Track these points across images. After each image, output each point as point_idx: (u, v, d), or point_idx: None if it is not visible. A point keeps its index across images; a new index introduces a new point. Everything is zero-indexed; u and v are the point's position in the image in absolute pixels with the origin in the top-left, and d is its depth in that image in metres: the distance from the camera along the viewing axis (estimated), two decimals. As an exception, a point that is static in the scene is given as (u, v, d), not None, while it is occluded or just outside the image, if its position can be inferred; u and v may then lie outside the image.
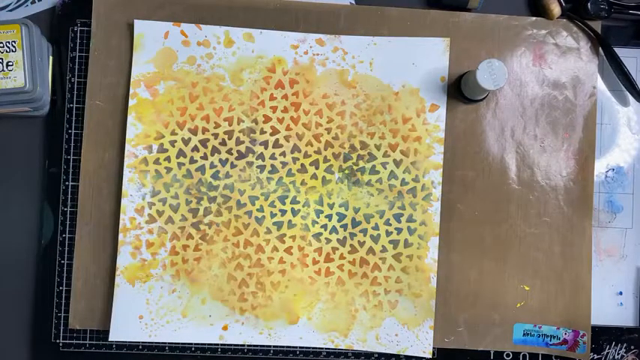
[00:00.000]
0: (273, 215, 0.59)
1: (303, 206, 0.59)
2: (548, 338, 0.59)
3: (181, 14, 0.59)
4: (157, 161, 0.58)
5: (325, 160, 0.59)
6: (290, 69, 0.59)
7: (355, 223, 0.59)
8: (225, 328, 0.58)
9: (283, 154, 0.59)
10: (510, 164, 0.60)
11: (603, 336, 0.60)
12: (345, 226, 0.59)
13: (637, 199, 0.61)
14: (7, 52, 0.55)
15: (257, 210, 0.59)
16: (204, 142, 0.59)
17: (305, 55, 0.59)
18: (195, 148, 0.59)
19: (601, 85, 0.61)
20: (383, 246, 0.59)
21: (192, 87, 0.59)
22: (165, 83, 0.59)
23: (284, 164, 0.59)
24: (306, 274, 0.58)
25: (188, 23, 0.59)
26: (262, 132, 0.59)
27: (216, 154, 0.59)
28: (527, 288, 0.59)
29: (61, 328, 0.59)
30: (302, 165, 0.59)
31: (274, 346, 0.59)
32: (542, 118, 0.60)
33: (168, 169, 0.59)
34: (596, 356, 0.60)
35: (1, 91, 0.55)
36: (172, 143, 0.59)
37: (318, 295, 0.58)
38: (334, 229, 0.59)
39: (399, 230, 0.59)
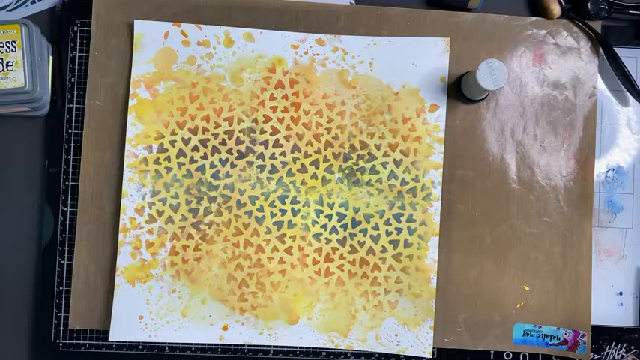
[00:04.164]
0: (273, 215, 0.59)
1: (303, 206, 0.59)
2: (548, 338, 0.59)
3: (181, 14, 0.59)
4: (156, 161, 0.58)
5: (325, 160, 0.59)
6: (290, 69, 0.59)
7: (355, 223, 0.59)
8: (225, 328, 0.58)
9: (283, 154, 0.59)
10: (510, 164, 0.60)
11: (603, 336, 0.60)
12: (345, 226, 0.59)
13: (637, 199, 0.61)
14: (7, 52, 0.55)
15: (257, 210, 0.59)
16: (204, 142, 0.59)
17: (305, 55, 0.59)
18: (195, 148, 0.59)
19: (601, 85, 0.61)
20: (383, 246, 0.59)
21: (193, 87, 0.59)
22: (166, 83, 0.59)
23: (284, 164, 0.59)
24: (306, 274, 0.58)
25: (188, 23, 0.59)
26: (262, 132, 0.59)
27: (216, 154, 0.59)
28: (527, 288, 0.59)
29: (61, 328, 0.59)
30: (302, 165, 0.59)
31: (274, 346, 0.59)
32: (542, 118, 0.60)
33: (169, 169, 0.59)
34: (596, 356, 0.60)
35: (1, 91, 0.55)
36: (172, 143, 0.59)
37: (318, 295, 0.58)
38: (334, 229, 0.59)
39: (399, 230, 0.59)
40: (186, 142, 0.59)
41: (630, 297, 0.61)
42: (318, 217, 0.59)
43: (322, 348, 0.59)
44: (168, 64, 0.59)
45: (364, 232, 0.59)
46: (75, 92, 0.59)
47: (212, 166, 0.59)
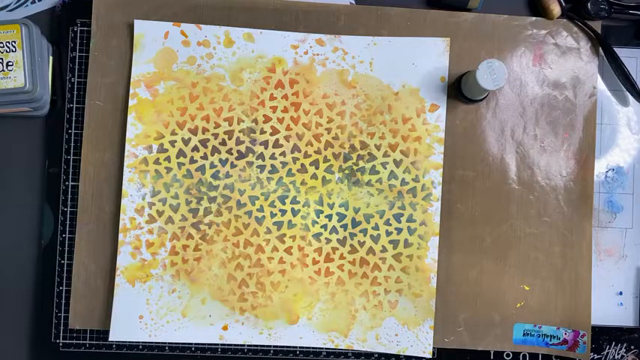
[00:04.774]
0: (273, 215, 0.59)
1: (303, 206, 0.59)
2: (548, 338, 0.59)
3: (181, 14, 0.59)
4: (157, 161, 0.58)
5: (325, 160, 0.59)
6: (290, 69, 0.59)
7: (355, 223, 0.59)
8: (225, 328, 0.58)
9: (283, 154, 0.59)
10: (510, 164, 0.60)
11: (603, 336, 0.60)
12: (345, 226, 0.59)
13: (637, 199, 0.61)
14: (7, 52, 0.55)
15: (257, 210, 0.59)
16: (204, 142, 0.59)
17: (305, 55, 0.59)
18: (196, 148, 0.59)
19: (601, 85, 0.61)
20: (383, 246, 0.59)
21: (193, 87, 0.59)
22: (166, 83, 0.59)
23: (284, 164, 0.59)
24: (306, 274, 0.58)
25: (188, 23, 0.59)
26: (262, 132, 0.59)
27: (216, 154, 0.59)
28: (527, 288, 0.59)
29: (61, 328, 0.59)
30: (302, 165, 0.59)
31: (274, 346, 0.59)
32: (542, 118, 0.60)
33: (169, 169, 0.59)
34: (596, 356, 0.60)
35: (1, 91, 0.55)
36: (172, 143, 0.59)
37: (318, 295, 0.58)
38: (334, 229, 0.59)
39: (399, 230, 0.59)
40: (186, 142, 0.59)
41: (630, 297, 0.61)
42: (318, 217, 0.59)
43: (322, 348, 0.59)
44: (168, 64, 0.59)
45: (364, 232, 0.59)
46: (75, 92, 0.59)
47: (212, 166, 0.59)
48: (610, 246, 0.61)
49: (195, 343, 0.59)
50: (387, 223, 0.59)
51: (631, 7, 0.60)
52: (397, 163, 0.59)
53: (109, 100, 0.59)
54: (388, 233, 0.59)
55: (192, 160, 0.59)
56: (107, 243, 0.58)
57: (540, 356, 0.60)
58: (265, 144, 0.59)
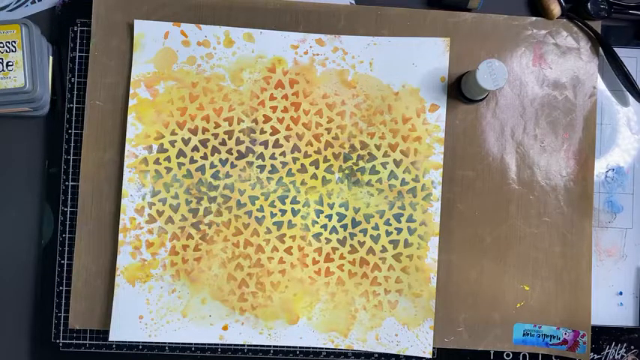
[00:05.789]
0: (273, 215, 0.59)
1: (303, 206, 0.59)
2: (548, 338, 0.59)
3: (181, 14, 0.59)
4: (157, 161, 0.58)
5: (325, 160, 0.59)
6: (290, 69, 0.59)
7: (355, 223, 0.59)
8: (225, 328, 0.58)
9: (283, 154, 0.59)
10: (510, 164, 0.60)
11: (603, 336, 0.60)
12: (345, 226, 0.59)
13: (637, 199, 0.61)
14: (7, 52, 0.55)
15: (257, 210, 0.59)
16: (204, 142, 0.59)
17: (305, 55, 0.59)
18: (196, 148, 0.59)
19: (601, 85, 0.61)
20: (383, 246, 0.59)
21: (192, 87, 0.59)
22: (166, 83, 0.59)
23: (284, 164, 0.59)
24: (306, 274, 0.58)
25: (188, 23, 0.59)
26: (262, 132, 0.59)
27: (216, 154, 0.59)
28: (527, 288, 0.59)
29: (61, 328, 0.59)
30: (302, 165, 0.59)
31: (274, 346, 0.59)
32: (542, 118, 0.60)
33: (169, 169, 0.59)
34: (596, 356, 0.60)
35: (1, 91, 0.55)
36: (172, 143, 0.59)
37: (318, 295, 0.58)
38: (334, 229, 0.59)
39: (399, 230, 0.59)
40: (186, 142, 0.59)
41: (630, 297, 0.61)
42: (318, 217, 0.59)
43: (322, 348, 0.59)
44: (168, 64, 0.59)
45: (364, 232, 0.59)
46: (75, 92, 0.59)
47: (212, 166, 0.59)
48: (610, 246, 0.61)
49: (195, 343, 0.59)
50: (387, 223, 0.59)
51: (631, 7, 0.60)
52: (397, 163, 0.59)
53: (109, 100, 0.59)
54: (388, 233, 0.59)
55: (192, 160, 0.59)
56: (107, 243, 0.58)
57: (540, 356, 0.60)
58: (265, 144, 0.59)
